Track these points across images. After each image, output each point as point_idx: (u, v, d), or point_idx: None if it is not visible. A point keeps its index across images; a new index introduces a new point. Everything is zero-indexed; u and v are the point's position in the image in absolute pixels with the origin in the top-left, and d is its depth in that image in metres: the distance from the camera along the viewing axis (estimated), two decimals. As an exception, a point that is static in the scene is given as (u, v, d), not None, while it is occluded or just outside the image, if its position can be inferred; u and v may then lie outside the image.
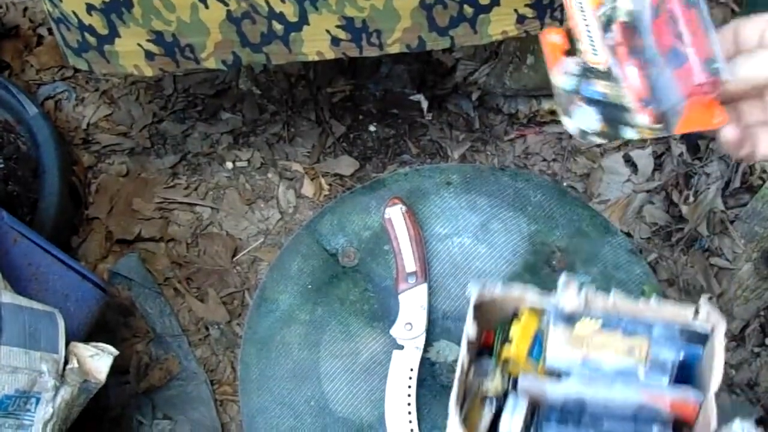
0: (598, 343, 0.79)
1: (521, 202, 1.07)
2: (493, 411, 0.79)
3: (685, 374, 0.79)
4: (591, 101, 0.65)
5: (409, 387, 0.96)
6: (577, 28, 0.65)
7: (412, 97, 1.79)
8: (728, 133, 0.64)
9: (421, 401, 0.96)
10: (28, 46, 1.89)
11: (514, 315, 0.82)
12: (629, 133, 0.65)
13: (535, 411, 0.78)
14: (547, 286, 1.02)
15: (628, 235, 1.65)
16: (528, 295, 0.81)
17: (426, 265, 1.01)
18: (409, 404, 0.95)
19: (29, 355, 1.08)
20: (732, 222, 1.65)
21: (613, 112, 0.65)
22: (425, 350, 0.98)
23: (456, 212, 1.06)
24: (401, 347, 0.98)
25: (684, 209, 1.67)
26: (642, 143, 1.74)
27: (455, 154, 1.75)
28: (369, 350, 0.99)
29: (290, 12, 1.17)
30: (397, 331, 0.98)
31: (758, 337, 1.57)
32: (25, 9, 1.91)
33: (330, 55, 1.25)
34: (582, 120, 0.66)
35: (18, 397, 1.07)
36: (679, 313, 0.77)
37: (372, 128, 1.79)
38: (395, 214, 1.02)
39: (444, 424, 0.80)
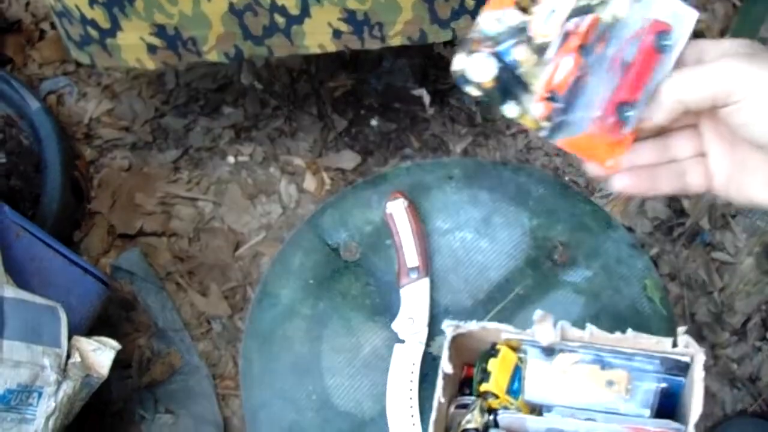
0: (577, 377, 0.77)
1: (523, 197, 1.07)
2: None
3: (669, 405, 0.78)
4: (499, 58, 0.60)
5: (411, 381, 0.96)
6: None
7: (413, 92, 1.79)
8: (619, 183, 0.60)
9: (423, 395, 0.96)
10: (31, 41, 1.89)
11: (492, 349, 0.81)
12: (510, 110, 0.61)
13: None
14: (549, 280, 1.02)
15: (630, 229, 1.65)
16: (504, 331, 0.79)
17: (428, 260, 1.01)
18: (410, 398, 0.95)
19: (31, 350, 1.08)
20: (733, 216, 1.65)
21: (512, 82, 0.60)
22: (427, 344, 0.98)
23: (458, 206, 1.06)
24: (403, 341, 0.98)
25: (686, 204, 1.67)
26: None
27: (457, 149, 1.75)
28: (371, 345, 0.99)
29: (292, 4, 1.17)
30: (398, 325, 0.98)
31: (760, 332, 1.57)
32: (27, 3, 1.91)
33: (332, 47, 1.25)
34: (475, 66, 0.60)
35: (20, 392, 1.07)
36: (657, 344, 0.76)
37: (374, 123, 1.79)
38: (397, 209, 1.02)
39: (445, 418, 0.80)
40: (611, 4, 0.59)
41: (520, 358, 0.80)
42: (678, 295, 1.60)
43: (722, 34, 1.80)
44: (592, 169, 0.61)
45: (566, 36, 0.59)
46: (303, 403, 0.97)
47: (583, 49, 0.59)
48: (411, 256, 1.00)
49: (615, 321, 0.99)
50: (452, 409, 0.80)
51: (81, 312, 1.32)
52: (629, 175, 0.60)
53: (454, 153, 1.75)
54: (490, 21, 0.60)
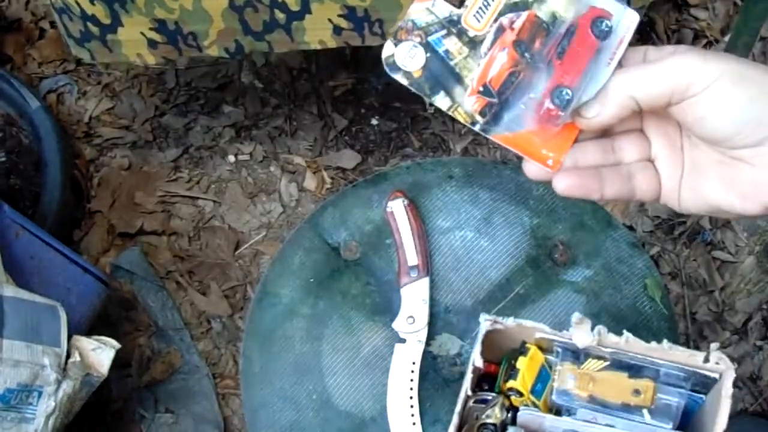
0: (603, 382, 0.78)
1: (523, 196, 1.07)
2: None
3: (683, 422, 0.78)
4: (430, 48, 0.58)
5: (411, 381, 0.96)
6: None
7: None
8: (561, 183, 0.57)
9: (423, 395, 0.96)
10: (30, 40, 1.89)
11: (520, 349, 0.82)
12: (441, 101, 0.58)
13: None
14: (550, 279, 1.02)
15: (631, 228, 1.65)
16: (539, 330, 0.80)
17: (428, 259, 1.01)
18: (411, 398, 0.95)
19: (31, 349, 1.08)
20: (735, 215, 1.64)
21: (443, 73, 0.58)
22: (427, 344, 0.98)
23: (458, 206, 1.06)
24: (403, 341, 0.98)
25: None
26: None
27: (457, 148, 1.75)
28: (371, 344, 0.99)
29: (292, 1, 1.17)
30: (399, 324, 0.98)
31: (761, 331, 1.57)
32: (27, 2, 1.90)
33: (332, 43, 1.24)
34: (404, 55, 0.58)
35: (20, 391, 1.07)
36: (689, 357, 0.76)
37: (374, 122, 1.79)
38: (397, 208, 1.02)
39: (446, 417, 0.80)
40: (547, 1, 0.58)
41: (547, 359, 0.80)
42: (679, 294, 1.60)
43: (723, 33, 1.79)
44: (531, 168, 0.58)
45: (501, 30, 0.57)
46: (303, 402, 0.97)
47: (519, 45, 0.57)
48: (411, 255, 1.00)
49: (616, 320, 0.99)
50: (470, 403, 0.80)
51: (81, 311, 1.31)
52: (573, 175, 0.57)
53: (455, 152, 1.75)
54: (420, 10, 0.58)
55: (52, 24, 1.87)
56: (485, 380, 0.83)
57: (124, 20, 1.21)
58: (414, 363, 0.96)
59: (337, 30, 1.22)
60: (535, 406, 0.79)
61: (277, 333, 1.01)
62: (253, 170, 1.76)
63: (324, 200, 1.17)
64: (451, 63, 0.58)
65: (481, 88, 0.57)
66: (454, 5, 0.58)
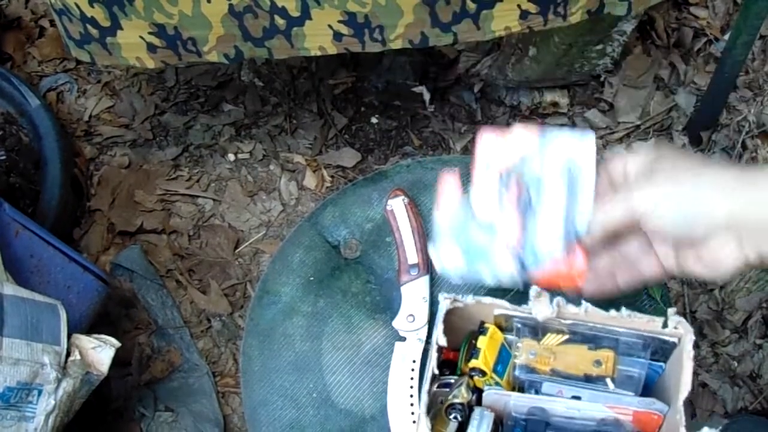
0: (564, 355, 0.79)
1: (523, 194, 1.07)
2: (459, 419, 0.78)
3: (644, 390, 0.79)
4: (460, 239, 0.72)
5: (412, 379, 0.96)
6: (475, 176, 0.73)
7: (414, 89, 1.79)
8: (586, 292, 0.73)
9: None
10: (30, 38, 1.89)
11: (480, 329, 0.82)
12: (487, 278, 0.73)
13: (500, 424, 0.78)
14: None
15: (631, 227, 1.65)
16: (498, 307, 0.80)
17: (428, 257, 1.01)
18: (411, 396, 0.95)
19: (31, 347, 1.08)
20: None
21: (477, 254, 0.72)
22: (427, 342, 0.98)
23: (458, 204, 1.06)
24: (403, 339, 0.98)
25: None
26: (645, 135, 1.74)
27: (457, 146, 1.75)
28: (371, 342, 0.99)
29: (292, 7, 1.17)
30: (399, 322, 0.98)
31: (760, 329, 1.57)
32: (27, 0, 1.90)
33: (332, 50, 1.24)
34: (447, 255, 0.73)
35: (20, 389, 1.07)
36: (648, 323, 0.77)
37: (374, 120, 1.79)
38: (397, 206, 1.02)
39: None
40: (528, 161, 0.72)
41: (506, 339, 0.81)
42: (678, 292, 1.60)
43: (723, 31, 1.79)
44: (570, 291, 0.74)
45: (501, 198, 0.72)
46: (303, 400, 0.97)
47: (518, 202, 0.71)
48: (411, 253, 1.00)
49: (615, 319, 0.99)
50: (434, 388, 0.80)
51: (81, 309, 1.32)
52: (592, 283, 0.73)
53: (455, 150, 1.75)
54: (445, 217, 0.74)
55: (52, 22, 1.87)
56: (446, 366, 0.83)
57: (123, 23, 1.21)
58: (414, 361, 0.96)
59: (338, 36, 1.22)
60: (498, 385, 0.80)
61: (277, 331, 1.01)
62: (253, 169, 1.76)
63: (324, 199, 1.17)
64: (478, 247, 0.72)
65: (510, 250, 0.71)
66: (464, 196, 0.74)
